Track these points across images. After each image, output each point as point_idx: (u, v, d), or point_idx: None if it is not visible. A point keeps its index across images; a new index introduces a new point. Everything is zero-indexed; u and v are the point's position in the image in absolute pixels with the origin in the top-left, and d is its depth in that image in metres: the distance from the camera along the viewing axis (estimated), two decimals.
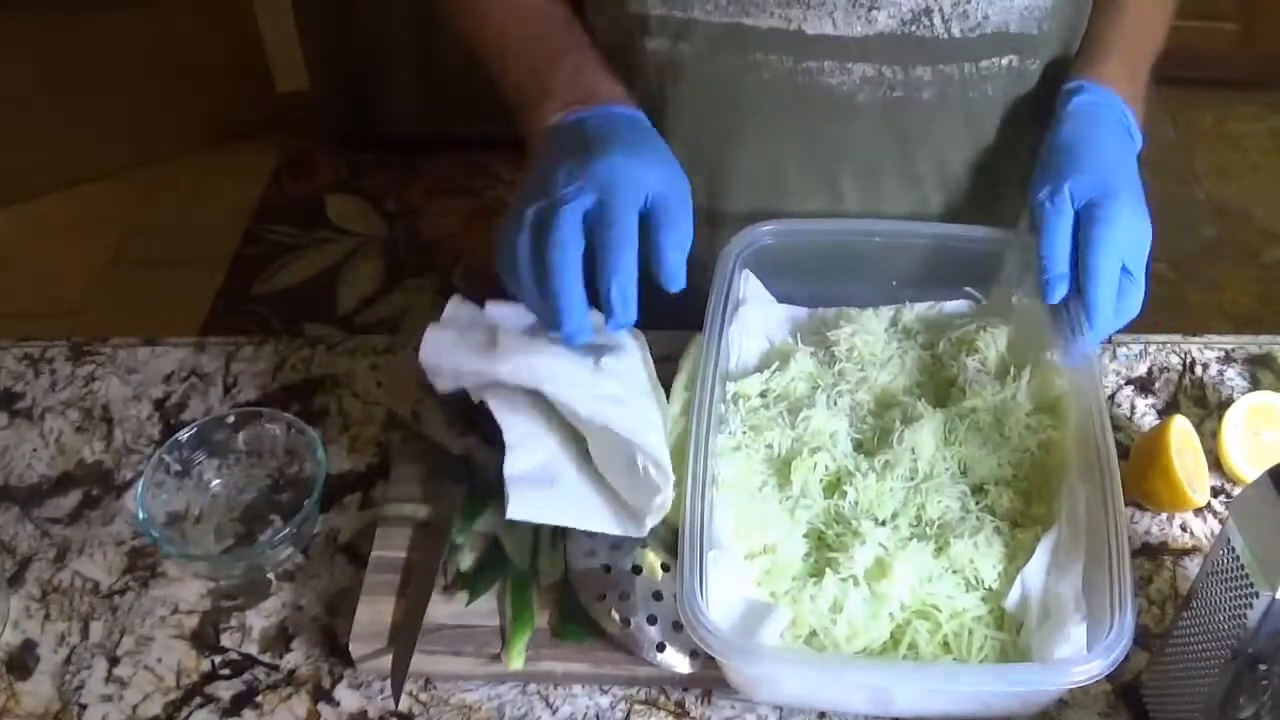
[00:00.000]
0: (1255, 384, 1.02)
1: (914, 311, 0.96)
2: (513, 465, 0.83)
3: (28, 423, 1.01)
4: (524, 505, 0.81)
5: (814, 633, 0.78)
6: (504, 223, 0.83)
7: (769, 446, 0.86)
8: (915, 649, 0.77)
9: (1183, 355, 1.04)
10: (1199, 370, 1.03)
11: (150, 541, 0.88)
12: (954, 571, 0.80)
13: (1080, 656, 0.72)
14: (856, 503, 0.83)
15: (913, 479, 0.84)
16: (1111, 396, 1.01)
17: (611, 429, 0.81)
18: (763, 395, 0.89)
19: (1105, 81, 0.92)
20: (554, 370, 0.84)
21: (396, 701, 0.80)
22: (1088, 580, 0.77)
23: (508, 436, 0.84)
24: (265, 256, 2.64)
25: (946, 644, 0.78)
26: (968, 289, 0.96)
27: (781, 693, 0.80)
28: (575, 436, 0.86)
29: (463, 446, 0.90)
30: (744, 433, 0.86)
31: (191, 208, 2.76)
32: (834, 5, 0.90)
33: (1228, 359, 1.04)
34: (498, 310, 0.91)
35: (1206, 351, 1.05)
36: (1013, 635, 0.78)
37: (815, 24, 0.91)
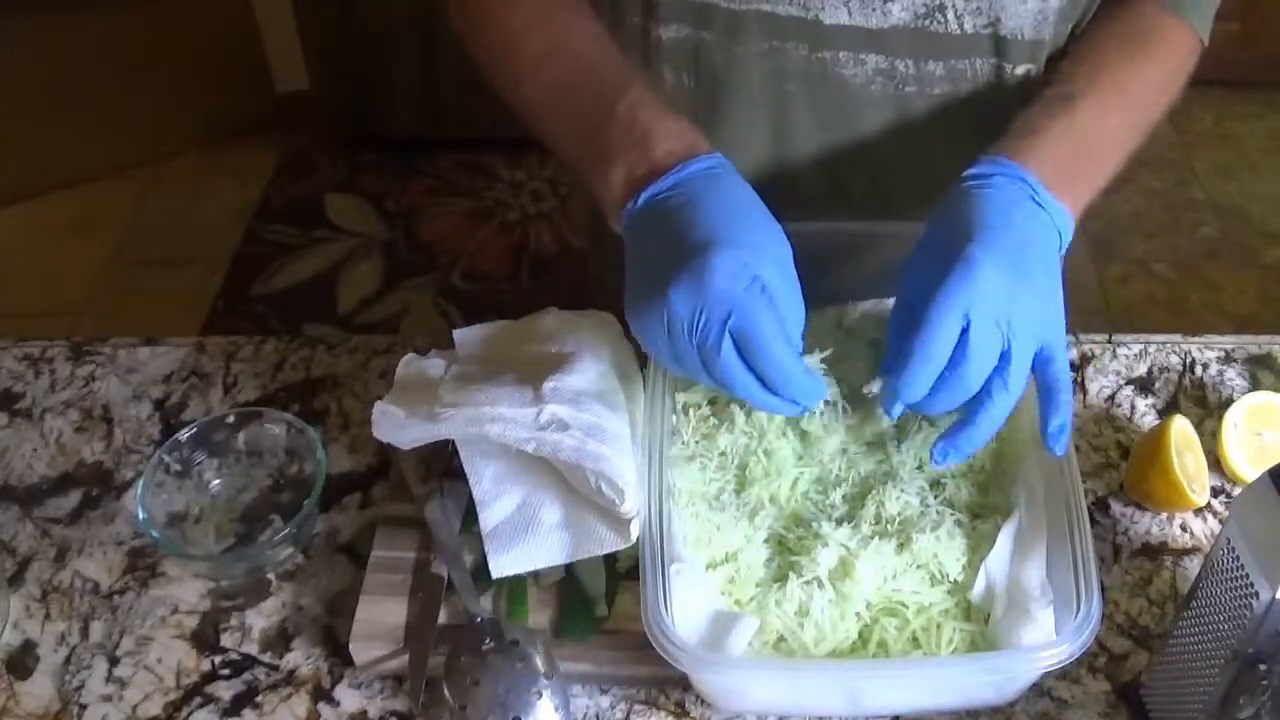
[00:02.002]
0: (1255, 384, 1.02)
1: (858, 310, 0.95)
2: (487, 521, 0.83)
3: (28, 423, 1.01)
4: (506, 563, 0.82)
5: (781, 638, 0.78)
6: (642, 325, 0.77)
7: (723, 454, 0.85)
8: (885, 647, 0.78)
9: (1183, 355, 1.04)
10: (1199, 370, 1.03)
11: (150, 541, 0.88)
12: (918, 567, 0.80)
13: (1049, 641, 0.73)
14: (818, 504, 0.83)
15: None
16: (1111, 396, 1.01)
17: (560, 456, 0.80)
18: (712, 404, 0.88)
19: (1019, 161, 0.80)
20: (495, 413, 0.82)
21: (416, 702, 0.79)
22: (1052, 565, 0.78)
23: (476, 493, 0.84)
24: (265, 256, 2.64)
25: (915, 640, 0.78)
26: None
27: (753, 701, 0.80)
28: (550, 464, 0.85)
29: (423, 499, 0.89)
30: (696, 442, 0.86)
31: (191, 207, 2.76)
32: None
33: (1228, 359, 1.04)
34: (461, 335, 0.93)
35: (1206, 351, 1.05)
36: (981, 626, 0.78)
37: (832, 13, 0.92)
